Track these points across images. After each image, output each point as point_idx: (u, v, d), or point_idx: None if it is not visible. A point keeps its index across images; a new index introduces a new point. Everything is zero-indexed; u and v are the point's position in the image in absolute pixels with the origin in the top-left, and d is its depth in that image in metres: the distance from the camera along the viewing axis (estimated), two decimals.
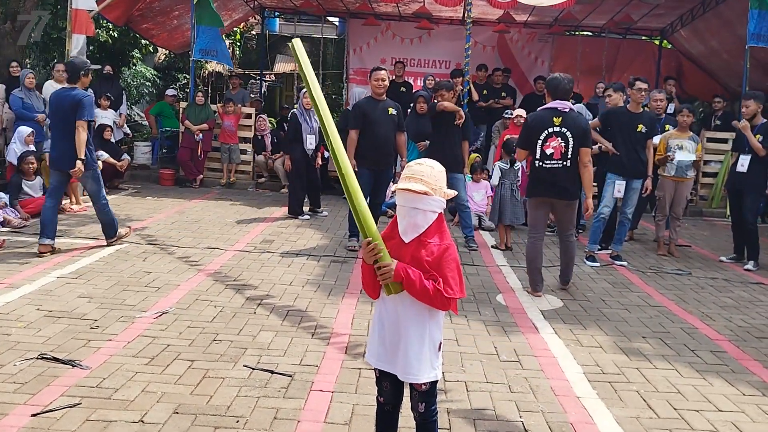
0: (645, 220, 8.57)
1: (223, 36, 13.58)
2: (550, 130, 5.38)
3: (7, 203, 7.40)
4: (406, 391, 2.71)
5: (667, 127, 7.47)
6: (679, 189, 7.29)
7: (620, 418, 3.40)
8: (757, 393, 3.79)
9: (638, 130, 6.67)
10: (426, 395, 2.63)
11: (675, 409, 3.53)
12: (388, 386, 2.69)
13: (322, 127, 2.64)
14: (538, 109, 5.68)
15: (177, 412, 3.22)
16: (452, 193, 2.60)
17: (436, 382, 2.64)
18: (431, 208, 2.52)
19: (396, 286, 2.48)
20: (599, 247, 6.93)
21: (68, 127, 6.06)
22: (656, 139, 7.24)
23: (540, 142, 5.41)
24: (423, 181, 2.49)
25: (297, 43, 2.71)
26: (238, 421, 3.17)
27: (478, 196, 8.81)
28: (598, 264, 6.70)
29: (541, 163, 5.43)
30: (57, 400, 3.28)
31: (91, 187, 6.38)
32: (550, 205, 5.60)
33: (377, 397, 2.75)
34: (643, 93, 6.72)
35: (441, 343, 2.64)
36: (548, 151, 5.39)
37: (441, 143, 7.16)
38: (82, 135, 6.02)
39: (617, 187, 6.71)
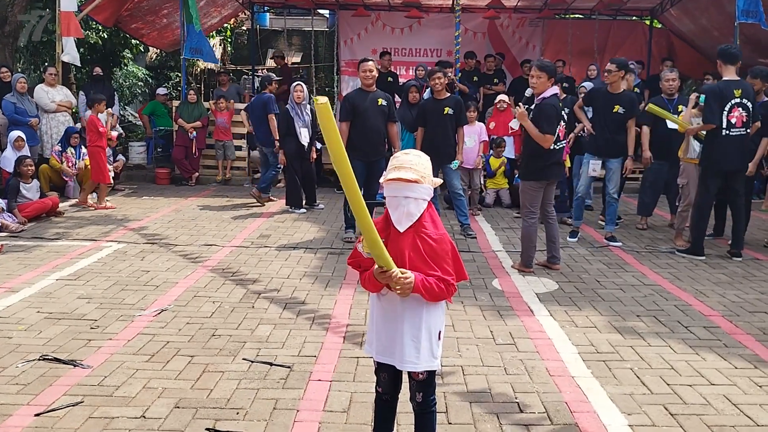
0: (661, 209, 8.33)
1: (213, 33, 13.56)
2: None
3: (5, 208, 7.43)
4: (405, 379, 2.75)
5: (681, 107, 7.31)
6: None
7: (614, 395, 3.45)
8: (749, 366, 3.84)
9: (614, 110, 6.75)
10: (424, 385, 2.66)
11: (668, 384, 3.58)
12: (386, 377, 2.72)
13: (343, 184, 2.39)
14: (551, 95, 5.68)
15: (178, 407, 3.27)
16: (439, 181, 2.66)
17: (435, 372, 2.67)
18: (422, 196, 2.54)
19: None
20: (581, 222, 7.27)
21: (261, 119, 8.88)
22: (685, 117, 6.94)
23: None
24: (412, 169, 2.51)
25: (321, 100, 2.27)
26: (238, 413, 3.22)
27: (470, 141, 8.26)
28: (576, 239, 7.02)
29: (554, 146, 5.73)
30: (59, 400, 3.33)
31: (271, 159, 8.99)
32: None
33: (376, 387, 2.79)
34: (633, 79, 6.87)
35: (441, 332, 2.65)
36: (560, 134, 5.83)
37: (433, 136, 7.16)
38: (273, 122, 8.75)
39: (591, 166, 6.86)
